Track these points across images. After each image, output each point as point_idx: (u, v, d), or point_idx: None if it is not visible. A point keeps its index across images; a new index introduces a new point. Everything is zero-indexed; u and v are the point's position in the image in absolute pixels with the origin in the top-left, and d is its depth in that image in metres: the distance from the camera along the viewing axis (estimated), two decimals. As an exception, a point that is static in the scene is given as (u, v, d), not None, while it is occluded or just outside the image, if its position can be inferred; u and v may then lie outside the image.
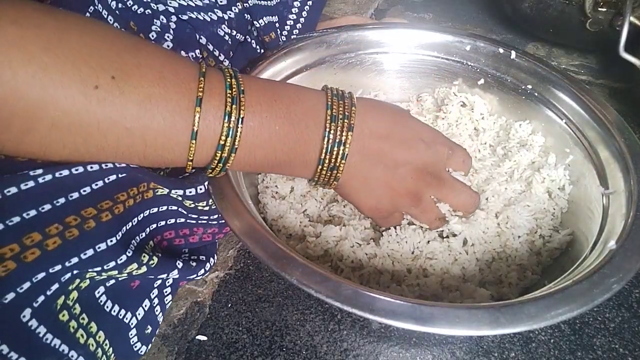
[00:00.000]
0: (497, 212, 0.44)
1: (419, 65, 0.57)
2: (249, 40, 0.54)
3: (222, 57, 0.50)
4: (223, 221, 0.41)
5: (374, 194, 0.40)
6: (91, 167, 0.32)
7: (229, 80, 0.34)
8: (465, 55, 0.54)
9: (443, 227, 0.42)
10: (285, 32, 0.58)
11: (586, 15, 0.63)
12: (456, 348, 0.39)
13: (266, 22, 0.54)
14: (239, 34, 0.52)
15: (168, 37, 0.46)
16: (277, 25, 0.56)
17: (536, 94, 0.51)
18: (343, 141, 0.36)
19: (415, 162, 0.39)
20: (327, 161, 0.37)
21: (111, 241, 0.32)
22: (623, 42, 0.55)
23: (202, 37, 0.48)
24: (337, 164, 0.37)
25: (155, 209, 0.37)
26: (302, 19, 0.59)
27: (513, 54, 0.52)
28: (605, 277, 0.32)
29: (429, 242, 0.42)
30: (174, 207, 0.38)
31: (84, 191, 0.32)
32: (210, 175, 0.37)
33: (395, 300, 0.30)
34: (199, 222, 0.41)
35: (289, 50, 0.51)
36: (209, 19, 0.48)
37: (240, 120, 0.33)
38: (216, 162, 0.34)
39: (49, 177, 0.30)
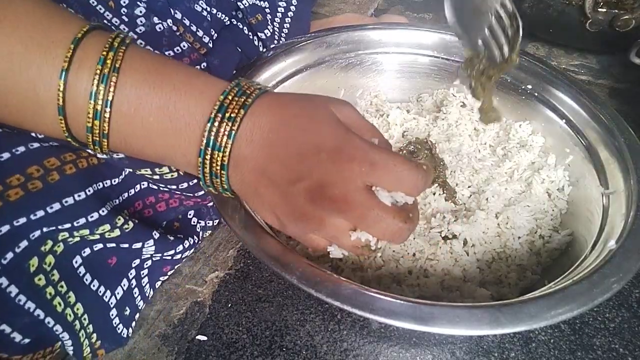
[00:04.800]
0: (497, 212, 0.44)
1: (419, 66, 0.57)
2: (235, 22, 0.54)
3: (200, 33, 0.49)
4: (192, 184, 0.41)
5: (270, 211, 0.33)
6: None
7: (104, 52, 0.29)
8: (465, 55, 0.54)
9: (442, 228, 0.42)
10: (277, 19, 0.57)
11: (586, 16, 0.63)
12: (456, 348, 0.39)
13: (250, 3, 0.54)
14: (220, 13, 0.51)
15: (140, 3, 0.44)
16: (267, 10, 0.56)
17: (536, 94, 0.51)
18: (222, 147, 0.31)
19: (307, 180, 0.30)
20: (207, 167, 0.31)
21: (79, 196, 0.32)
22: None
23: (176, 11, 0.47)
24: (217, 172, 0.32)
25: (135, 177, 0.37)
26: (292, 6, 0.59)
27: (513, 54, 0.52)
28: (605, 277, 0.32)
29: (430, 244, 0.42)
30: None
31: (45, 143, 0.31)
32: (97, 153, 0.32)
33: (395, 300, 0.30)
34: (168, 188, 0.41)
35: (289, 50, 0.51)
36: None
37: (107, 103, 0.29)
38: (91, 143, 0.30)
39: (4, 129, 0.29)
